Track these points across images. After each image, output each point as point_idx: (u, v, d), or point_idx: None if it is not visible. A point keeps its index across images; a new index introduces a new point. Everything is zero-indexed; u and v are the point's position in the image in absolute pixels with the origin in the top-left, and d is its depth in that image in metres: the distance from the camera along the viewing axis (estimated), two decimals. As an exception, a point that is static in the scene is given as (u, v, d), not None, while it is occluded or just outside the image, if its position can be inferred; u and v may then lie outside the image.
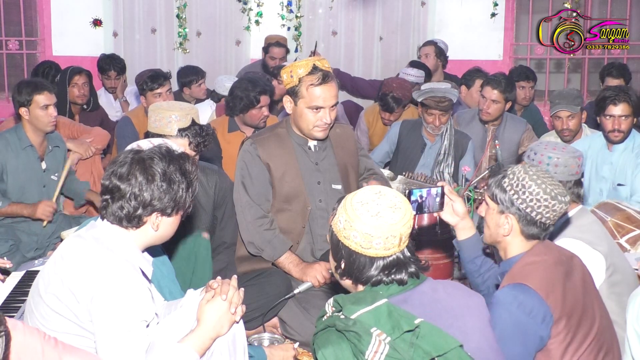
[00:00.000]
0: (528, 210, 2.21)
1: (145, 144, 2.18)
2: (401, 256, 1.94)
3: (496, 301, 2.17)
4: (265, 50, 6.31)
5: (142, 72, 5.10)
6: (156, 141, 2.22)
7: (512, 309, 2.11)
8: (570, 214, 2.71)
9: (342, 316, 1.85)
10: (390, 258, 1.92)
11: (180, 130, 2.89)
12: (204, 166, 3.14)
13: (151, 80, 4.61)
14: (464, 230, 2.47)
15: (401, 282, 1.93)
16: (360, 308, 1.84)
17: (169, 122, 2.88)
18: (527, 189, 2.21)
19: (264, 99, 4.42)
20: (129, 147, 2.20)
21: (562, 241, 2.55)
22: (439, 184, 2.51)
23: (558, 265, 2.25)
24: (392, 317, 1.81)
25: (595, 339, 2.20)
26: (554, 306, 2.13)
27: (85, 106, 5.27)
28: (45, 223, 3.92)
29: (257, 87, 4.41)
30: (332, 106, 3.08)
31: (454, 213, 2.50)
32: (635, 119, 3.93)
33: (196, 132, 2.93)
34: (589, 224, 2.69)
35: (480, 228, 2.55)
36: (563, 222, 2.71)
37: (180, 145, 2.87)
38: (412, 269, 1.95)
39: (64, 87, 5.12)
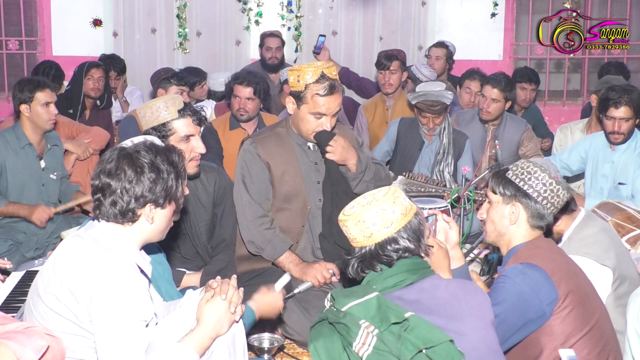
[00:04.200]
0: (535, 195, 2.28)
1: (127, 143, 2.19)
2: (370, 249, 2.03)
3: (502, 275, 2.23)
4: (261, 44, 6.32)
5: (158, 70, 5.21)
6: (138, 139, 2.23)
7: (517, 280, 2.18)
8: (574, 224, 2.71)
9: (334, 309, 1.87)
10: (363, 250, 2.04)
11: (179, 110, 2.91)
12: (203, 164, 3.15)
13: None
14: (453, 260, 2.43)
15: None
16: (350, 301, 1.87)
17: (165, 108, 2.89)
18: (533, 175, 2.28)
19: (239, 89, 4.48)
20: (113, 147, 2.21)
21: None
22: (431, 212, 2.50)
23: (561, 253, 2.34)
24: (381, 309, 1.83)
25: (596, 325, 2.22)
26: (558, 284, 2.19)
27: (98, 102, 5.32)
28: (42, 227, 3.88)
29: (237, 76, 4.58)
30: (334, 114, 3.09)
31: (446, 241, 2.44)
32: (638, 120, 3.92)
33: (193, 109, 2.98)
34: (595, 235, 2.67)
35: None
36: (569, 236, 2.70)
37: (186, 125, 2.92)
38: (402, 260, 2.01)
39: (80, 80, 5.17)
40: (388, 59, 5.18)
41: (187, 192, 2.26)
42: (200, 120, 2.98)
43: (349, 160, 3.15)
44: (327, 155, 3.12)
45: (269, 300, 2.49)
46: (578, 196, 3.89)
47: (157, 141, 2.21)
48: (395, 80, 5.19)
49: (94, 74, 5.21)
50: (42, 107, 3.91)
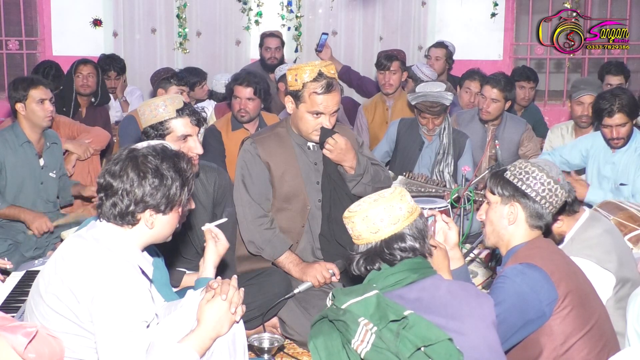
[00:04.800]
0: (533, 194, 2.27)
1: (139, 145, 2.18)
2: (375, 246, 2.03)
3: (502, 275, 2.23)
4: (261, 44, 6.33)
5: (158, 70, 5.18)
6: (154, 142, 2.22)
7: (517, 280, 2.18)
8: (577, 225, 2.70)
9: (334, 306, 1.87)
10: (368, 246, 2.04)
11: (177, 110, 2.89)
12: (203, 164, 3.15)
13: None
14: (452, 260, 2.43)
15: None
16: (350, 298, 1.87)
17: (164, 106, 2.87)
18: (531, 174, 2.28)
19: (239, 90, 4.49)
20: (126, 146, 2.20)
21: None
22: (431, 212, 2.50)
23: (560, 253, 2.34)
24: (380, 307, 1.83)
25: (596, 325, 2.22)
26: (558, 284, 2.18)
27: (93, 99, 5.31)
28: (30, 233, 3.88)
29: (234, 79, 4.58)
30: (333, 112, 3.09)
31: (445, 241, 2.44)
32: (635, 120, 3.92)
33: (192, 109, 2.95)
34: (597, 236, 2.66)
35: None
36: (571, 237, 2.70)
37: (183, 125, 2.88)
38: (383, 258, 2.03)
39: (70, 78, 5.18)
40: (388, 59, 5.18)
41: (193, 206, 2.26)
42: (198, 120, 2.95)
43: (346, 162, 3.14)
44: (324, 152, 3.12)
45: (220, 250, 2.47)
46: (582, 183, 3.88)
47: (169, 146, 2.20)
48: (396, 81, 5.19)
49: (83, 71, 5.21)
50: (37, 104, 3.91)
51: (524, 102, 5.57)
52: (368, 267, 2.05)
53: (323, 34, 6.10)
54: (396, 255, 2.01)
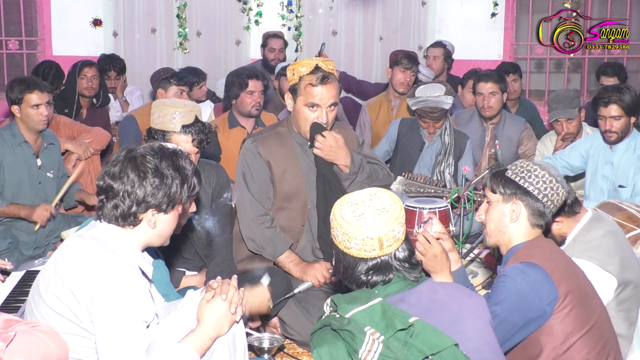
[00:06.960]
0: (535, 192, 2.27)
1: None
2: (388, 260, 1.95)
3: (502, 275, 2.23)
4: (264, 44, 6.33)
5: (158, 70, 5.17)
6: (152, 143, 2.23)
7: (517, 279, 2.18)
8: (579, 226, 2.70)
9: (337, 315, 1.86)
10: (375, 261, 1.94)
11: (184, 126, 2.90)
12: (201, 162, 3.15)
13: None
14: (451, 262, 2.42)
15: (383, 282, 1.95)
16: (354, 307, 1.85)
17: (172, 118, 2.89)
18: (533, 172, 2.29)
19: (253, 83, 4.53)
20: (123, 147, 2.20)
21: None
22: (429, 215, 2.49)
23: (561, 252, 2.34)
24: (386, 315, 1.81)
25: (596, 325, 2.22)
26: (558, 283, 2.18)
27: (94, 100, 5.31)
28: (37, 227, 3.89)
29: (246, 72, 4.60)
30: (330, 106, 3.08)
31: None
32: (634, 119, 3.92)
33: (199, 129, 2.94)
34: (600, 238, 2.64)
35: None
36: (574, 238, 2.69)
37: (183, 141, 2.89)
38: (396, 273, 1.95)
39: (73, 80, 5.18)
40: (413, 61, 5.21)
41: (194, 209, 2.27)
42: (200, 142, 2.95)
43: (339, 160, 3.13)
44: (314, 150, 3.12)
45: (255, 294, 2.47)
46: None
47: (167, 145, 2.20)
48: (412, 81, 5.20)
49: (87, 73, 5.22)
50: (31, 108, 3.89)
51: (511, 95, 5.53)
52: (376, 280, 1.97)
53: (322, 44, 6.18)
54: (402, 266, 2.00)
